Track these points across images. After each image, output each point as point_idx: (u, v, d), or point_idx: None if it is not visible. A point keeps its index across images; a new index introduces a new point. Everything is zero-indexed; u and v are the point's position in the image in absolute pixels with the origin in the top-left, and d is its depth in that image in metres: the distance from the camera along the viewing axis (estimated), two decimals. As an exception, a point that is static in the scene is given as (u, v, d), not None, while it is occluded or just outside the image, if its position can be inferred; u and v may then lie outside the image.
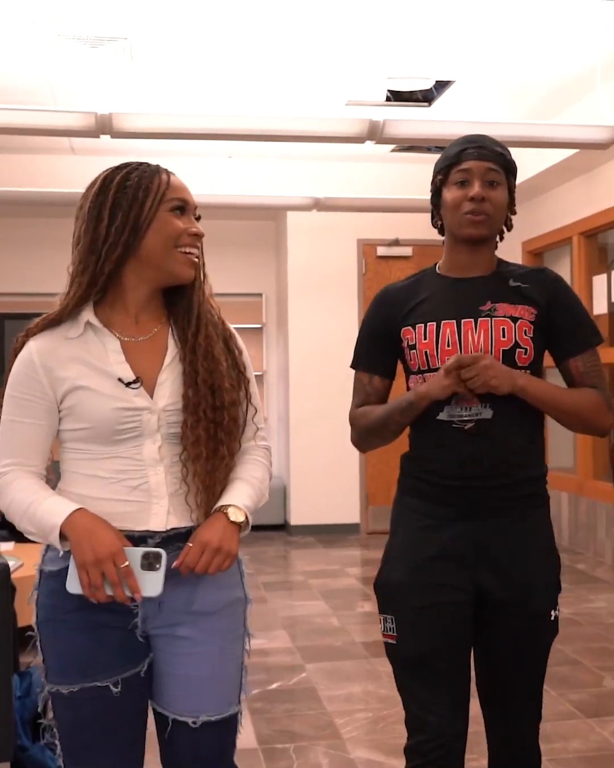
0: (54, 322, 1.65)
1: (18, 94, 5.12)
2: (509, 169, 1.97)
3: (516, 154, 2.13)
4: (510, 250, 6.89)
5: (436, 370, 1.91)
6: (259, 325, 8.02)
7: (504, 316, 1.92)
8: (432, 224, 2.08)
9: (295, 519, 7.40)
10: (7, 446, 1.65)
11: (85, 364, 1.62)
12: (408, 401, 1.91)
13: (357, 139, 4.57)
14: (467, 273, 1.99)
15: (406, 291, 2.04)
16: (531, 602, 1.92)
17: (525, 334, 1.91)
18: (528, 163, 6.16)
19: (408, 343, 1.97)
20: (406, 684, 1.94)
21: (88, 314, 1.64)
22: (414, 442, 2.00)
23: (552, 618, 1.96)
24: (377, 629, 2.01)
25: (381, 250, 7.34)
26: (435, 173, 1.99)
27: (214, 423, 1.63)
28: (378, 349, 2.05)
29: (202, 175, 6.68)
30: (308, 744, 3.11)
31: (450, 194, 1.94)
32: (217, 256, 9.02)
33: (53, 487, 1.67)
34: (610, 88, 5.21)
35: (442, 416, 1.90)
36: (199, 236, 1.67)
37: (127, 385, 1.61)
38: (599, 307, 6.20)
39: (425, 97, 5.83)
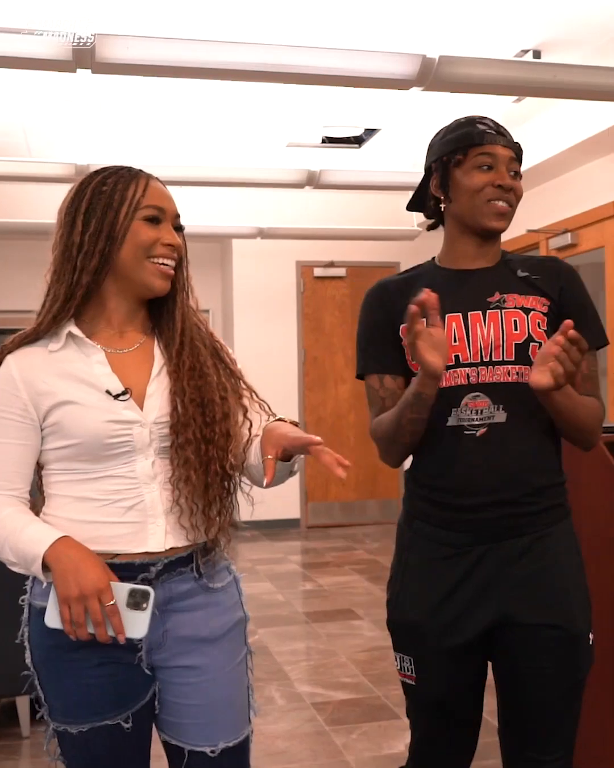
0: (32, 336, 1.55)
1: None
2: (521, 162, 1.80)
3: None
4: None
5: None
6: (206, 339, 8.74)
7: (515, 308, 1.73)
8: (426, 212, 1.87)
9: (241, 515, 8.12)
10: None
11: (70, 377, 1.52)
12: (413, 393, 1.66)
13: (298, 185, 5.35)
14: (471, 264, 1.79)
15: (403, 284, 1.83)
16: (571, 625, 1.71)
17: (539, 327, 1.72)
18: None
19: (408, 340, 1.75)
20: (423, 723, 1.85)
21: (69, 326, 1.54)
22: (418, 457, 1.80)
23: (591, 642, 1.75)
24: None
25: (318, 271, 8.12)
26: (449, 151, 1.76)
27: (204, 441, 1.54)
28: (385, 346, 1.81)
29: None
30: (263, 684, 3.87)
31: (469, 178, 1.73)
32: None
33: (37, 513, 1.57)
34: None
35: (451, 421, 1.71)
36: (173, 246, 1.56)
37: (116, 397, 1.52)
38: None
39: (356, 141, 6.65)
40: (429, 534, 1.77)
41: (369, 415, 1.87)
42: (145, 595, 1.44)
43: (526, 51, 4.73)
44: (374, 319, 1.84)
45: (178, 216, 1.60)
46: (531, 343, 1.72)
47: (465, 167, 1.74)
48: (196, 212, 7.69)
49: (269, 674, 4.01)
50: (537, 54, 4.74)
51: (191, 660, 1.57)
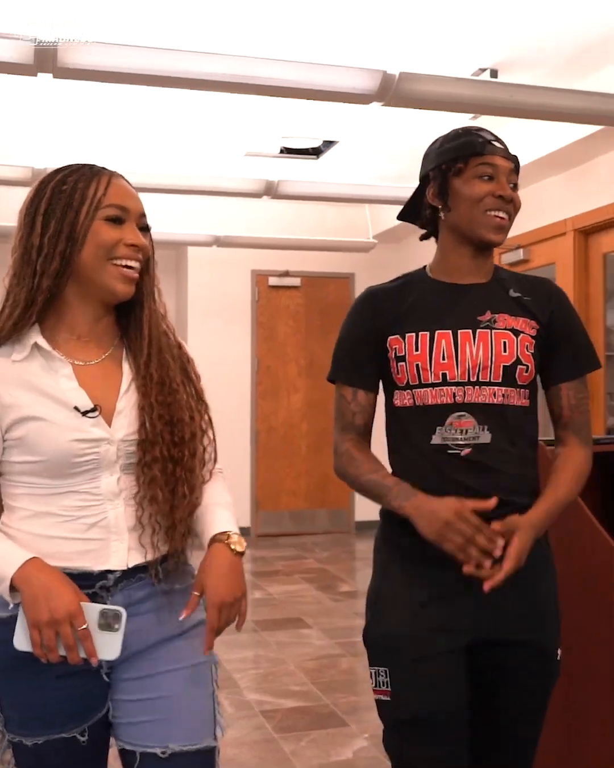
0: None
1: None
2: (518, 175, 1.78)
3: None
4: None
5: (429, 385, 1.70)
6: (159, 345, 8.71)
7: (505, 329, 1.72)
8: (420, 222, 1.84)
9: (191, 523, 8.11)
10: None
11: (35, 391, 1.45)
12: (397, 508, 1.67)
13: (256, 195, 5.38)
14: (464, 279, 1.77)
15: (394, 293, 1.79)
16: (544, 639, 1.74)
17: (527, 350, 1.72)
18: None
19: (395, 354, 1.74)
20: (401, 748, 1.73)
21: (34, 335, 1.47)
22: (401, 473, 1.76)
23: (559, 658, 1.77)
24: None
25: (273, 281, 8.14)
26: (449, 160, 1.72)
27: (171, 461, 1.49)
28: (365, 359, 1.78)
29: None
30: (211, 692, 3.87)
31: (470, 187, 1.70)
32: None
33: None
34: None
35: (435, 440, 1.70)
36: (137, 247, 1.50)
37: (84, 414, 1.46)
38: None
39: (314, 152, 6.70)
40: (407, 546, 1.73)
41: (330, 425, 1.85)
42: (117, 616, 1.40)
43: (484, 69, 4.82)
44: (357, 332, 1.80)
45: (143, 215, 1.53)
46: (519, 366, 1.71)
47: (466, 176, 1.72)
48: (151, 219, 7.62)
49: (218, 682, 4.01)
50: (493, 73, 4.83)
51: (149, 654, 1.52)
